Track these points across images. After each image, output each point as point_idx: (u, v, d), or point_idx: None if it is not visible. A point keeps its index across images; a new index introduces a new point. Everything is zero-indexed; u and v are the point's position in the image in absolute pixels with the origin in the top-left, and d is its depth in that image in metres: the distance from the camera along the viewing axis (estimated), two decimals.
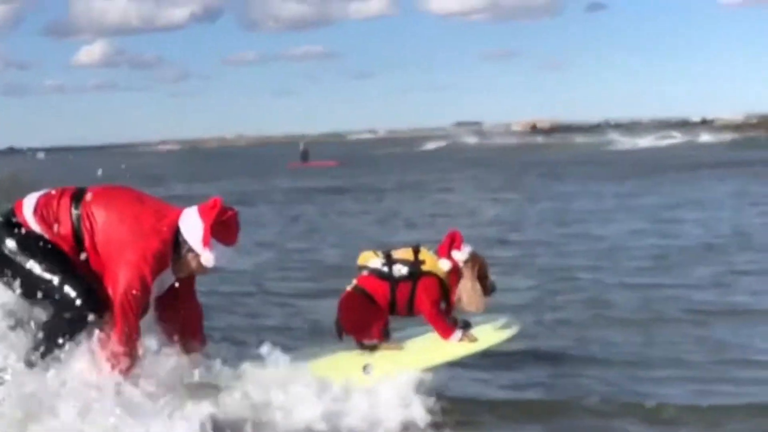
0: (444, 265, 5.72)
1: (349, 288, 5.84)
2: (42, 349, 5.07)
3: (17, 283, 5.16)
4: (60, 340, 5.03)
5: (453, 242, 5.76)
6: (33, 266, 5.11)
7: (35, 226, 5.19)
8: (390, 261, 5.78)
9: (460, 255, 5.71)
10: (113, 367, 4.98)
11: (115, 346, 4.98)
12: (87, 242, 5.12)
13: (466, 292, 5.66)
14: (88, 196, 5.20)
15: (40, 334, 5.11)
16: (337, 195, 25.42)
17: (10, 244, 5.18)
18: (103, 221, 5.12)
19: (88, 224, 5.13)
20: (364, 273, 5.81)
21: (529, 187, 25.69)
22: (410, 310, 5.73)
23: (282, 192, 27.83)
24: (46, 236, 5.17)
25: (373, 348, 5.69)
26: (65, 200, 5.20)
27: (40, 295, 5.12)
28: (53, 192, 5.28)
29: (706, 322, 7.92)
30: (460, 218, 17.19)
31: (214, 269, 5.23)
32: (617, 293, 9.27)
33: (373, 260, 5.83)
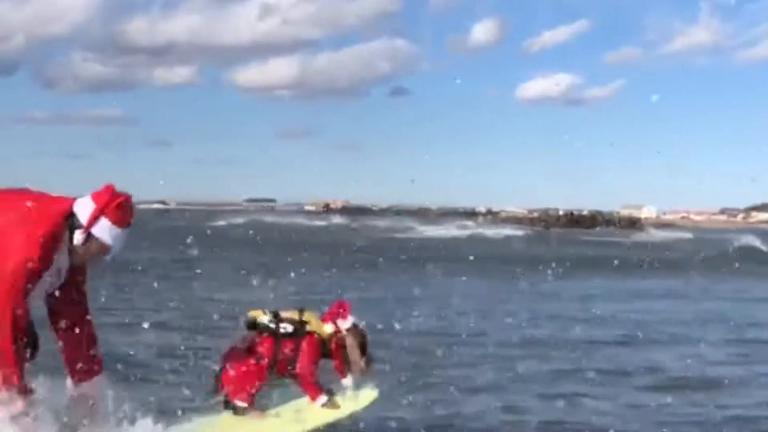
0: (327, 329, 6.15)
1: (235, 342, 6.15)
2: None
3: None
4: None
5: (340, 311, 6.20)
6: None
7: None
8: (277, 319, 6.14)
9: (344, 323, 6.15)
10: None
11: None
12: None
13: (351, 355, 6.10)
14: None
15: None
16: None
17: None
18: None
19: None
20: (252, 330, 6.13)
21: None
22: (291, 369, 6.07)
23: None
24: None
25: (241, 411, 5.92)
26: None
27: None
28: None
29: None
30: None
31: (107, 258, 5.23)
32: None
33: (261, 317, 6.15)
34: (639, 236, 74.43)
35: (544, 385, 10.28)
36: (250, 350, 6.08)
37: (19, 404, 4.93)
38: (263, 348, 6.06)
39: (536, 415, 8.83)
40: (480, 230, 72.43)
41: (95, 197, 5.15)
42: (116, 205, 5.13)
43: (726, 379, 10.92)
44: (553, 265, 25.16)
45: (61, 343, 5.35)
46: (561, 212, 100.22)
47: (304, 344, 6.09)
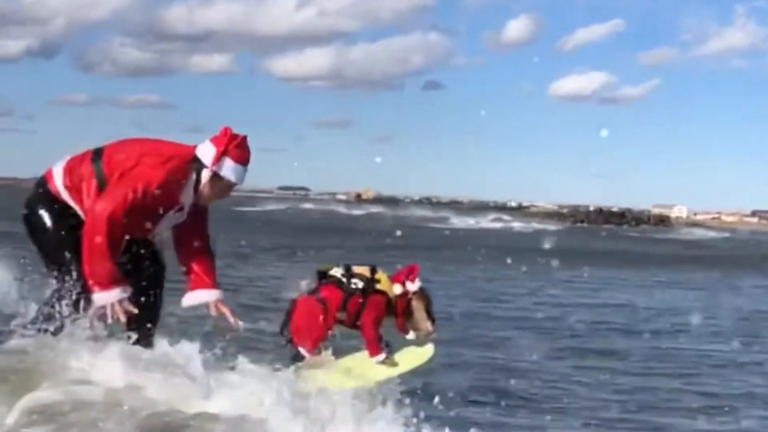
0: (396, 289, 6.20)
1: (305, 293, 6.24)
2: (38, 324, 5.38)
3: (42, 254, 5.48)
4: (54, 317, 5.30)
5: (410, 273, 6.28)
6: (56, 246, 5.39)
7: (65, 193, 5.44)
8: (349, 274, 6.21)
9: (412, 286, 6.22)
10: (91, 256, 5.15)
11: (94, 232, 5.15)
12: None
13: (418, 317, 6.19)
14: (106, 149, 5.49)
15: (42, 308, 5.41)
16: None
17: (44, 220, 5.46)
18: (123, 157, 5.39)
19: (107, 171, 5.37)
20: (323, 281, 6.22)
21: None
22: (356, 323, 6.13)
23: None
24: (75, 206, 5.41)
25: (303, 359, 5.97)
26: (87, 161, 5.46)
27: (54, 270, 5.39)
28: (76, 156, 5.54)
29: None
30: None
31: (231, 194, 5.63)
32: None
33: (334, 270, 6.25)
34: (672, 234, 74.69)
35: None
36: (319, 300, 6.14)
37: (116, 293, 5.23)
38: (331, 300, 6.12)
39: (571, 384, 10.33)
40: (513, 224, 73.80)
41: (215, 141, 5.47)
42: (236, 145, 5.46)
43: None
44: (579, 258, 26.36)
45: (183, 259, 5.68)
46: (591, 208, 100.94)
47: (371, 301, 6.14)
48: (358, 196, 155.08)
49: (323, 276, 6.24)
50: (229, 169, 5.44)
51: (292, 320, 6.11)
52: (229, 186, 5.53)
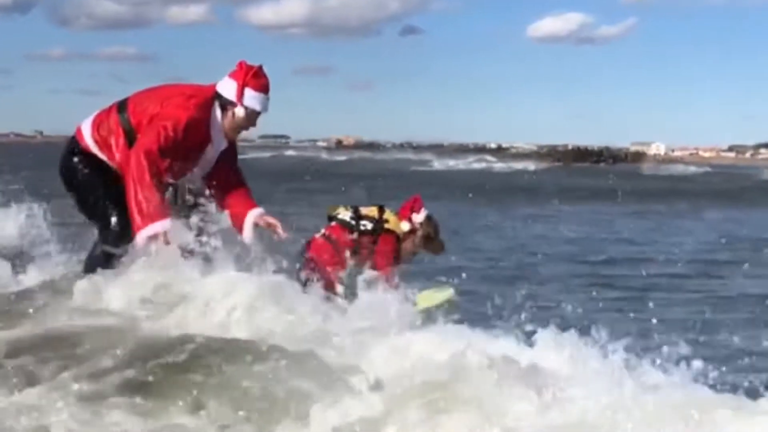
0: (404, 227, 6.31)
1: (317, 235, 6.26)
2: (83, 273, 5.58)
3: (81, 205, 5.73)
4: (95, 268, 5.43)
5: (413, 206, 6.39)
6: (95, 200, 5.63)
7: (95, 147, 5.63)
8: (358, 215, 6.27)
9: (418, 217, 6.35)
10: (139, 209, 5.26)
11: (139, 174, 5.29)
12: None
13: (408, 245, 6.34)
14: (130, 100, 5.65)
15: (89, 260, 5.71)
16: None
17: (78, 173, 5.68)
18: (147, 104, 5.55)
19: (133, 120, 5.53)
20: (333, 223, 6.28)
21: None
22: (369, 261, 6.11)
23: None
24: (106, 159, 5.59)
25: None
26: (113, 113, 5.63)
27: (95, 220, 5.68)
28: (102, 111, 5.71)
29: None
30: None
31: (256, 121, 5.72)
32: None
33: (343, 212, 6.29)
34: (649, 170, 75.31)
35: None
36: (331, 240, 6.18)
37: (164, 224, 5.30)
38: (342, 243, 6.12)
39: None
40: (494, 165, 74.78)
41: (233, 75, 5.63)
42: (253, 75, 5.62)
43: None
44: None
45: (222, 201, 5.75)
46: (570, 147, 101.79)
47: (381, 243, 6.18)
48: (339, 142, 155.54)
49: (332, 219, 6.31)
50: (251, 99, 5.60)
51: (305, 262, 6.06)
52: (255, 115, 5.69)
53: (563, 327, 4.07)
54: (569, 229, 20.56)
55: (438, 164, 73.18)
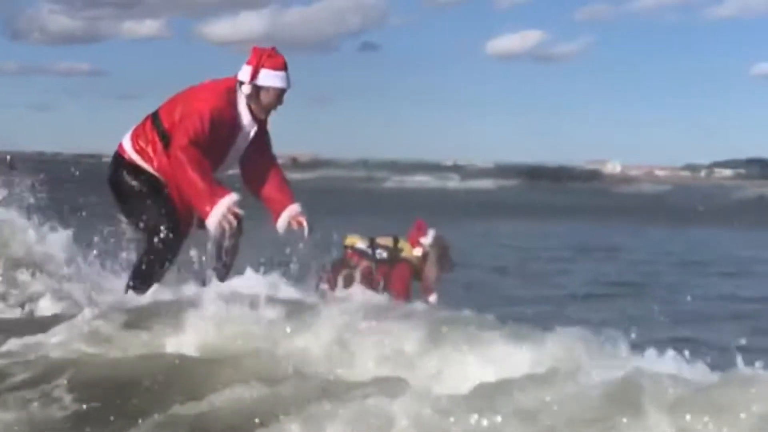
0: (417, 253, 6.61)
1: (336, 263, 6.46)
2: (131, 282, 5.79)
3: (130, 217, 5.95)
4: (144, 277, 5.71)
5: (419, 230, 6.67)
6: (145, 209, 5.84)
7: (137, 158, 5.91)
8: (373, 245, 6.60)
9: (426, 240, 6.64)
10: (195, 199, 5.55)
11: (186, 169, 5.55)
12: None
13: (428, 270, 6.60)
14: (161, 109, 5.93)
15: (136, 269, 5.84)
16: None
17: (124, 185, 5.93)
18: (175, 106, 5.83)
19: (167, 125, 5.80)
20: (349, 252, 6.55)
21: None
22: (384, 290, 6.31)
23: None
24: (150, 168, 5.86)
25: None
26: (148, 124, 5.93)
27: (142, 228, 5.87)
28: (138, 125, 5.99)
29: None
30: None
31: (283, 98, 5.92)
32: None
33: (359, 242, 6.61)
34: (603, 188, 75.62)
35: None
36: (347, 266, 6.43)
37: (225, 201, 5.54)
38: (360, 266, 6.40)
39: None
40: (448, 183, 74.32)
41: (249, 61, 5.87)
42: (267, 56, 5.86)
43: None
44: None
45: (257, 189, 6.04)
46: (526, 165, 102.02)
47: (397, 270, 6.45)
48: (294, 159, 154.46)
49: (347, 249, 6.54)
50: (268, 77, 5.83)
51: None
52: (277, 92, 5.89)
53: None
54: (508, 243, 20.43)
55: (391, 182, 72.48)
